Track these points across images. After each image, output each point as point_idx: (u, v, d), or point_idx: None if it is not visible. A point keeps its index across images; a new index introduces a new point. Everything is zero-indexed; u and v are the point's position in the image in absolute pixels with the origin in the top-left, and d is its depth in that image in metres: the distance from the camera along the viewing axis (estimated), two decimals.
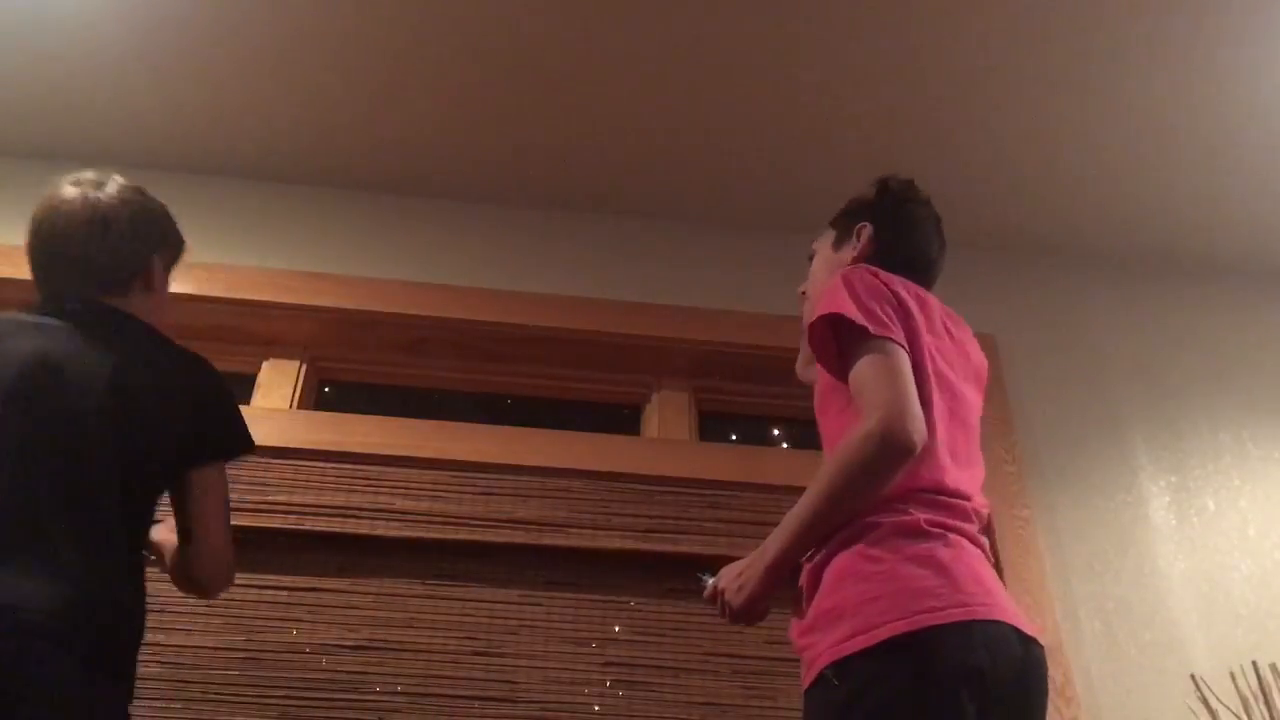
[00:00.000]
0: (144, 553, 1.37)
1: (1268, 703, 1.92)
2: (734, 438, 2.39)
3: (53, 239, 1.45)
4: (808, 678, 1.20)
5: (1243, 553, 2.14)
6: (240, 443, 1.45)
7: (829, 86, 2.15)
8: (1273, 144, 2.24)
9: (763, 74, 2.12)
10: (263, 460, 1.95)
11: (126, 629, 1.25)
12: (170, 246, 1.56)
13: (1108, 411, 2.30)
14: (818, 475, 1.27)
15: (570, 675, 1.88)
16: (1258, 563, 2.13)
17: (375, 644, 1.87)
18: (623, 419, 2.36)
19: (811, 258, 1.63)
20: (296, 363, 2.24)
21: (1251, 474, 2.26)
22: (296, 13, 2.02)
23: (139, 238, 1.49)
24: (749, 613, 1.32)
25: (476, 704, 1.83)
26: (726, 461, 2.14)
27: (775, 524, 2.04)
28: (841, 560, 1.23)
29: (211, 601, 1.86)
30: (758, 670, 1.91)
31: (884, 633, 1.13)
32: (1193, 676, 1.96)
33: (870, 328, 1.28)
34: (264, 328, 2.22)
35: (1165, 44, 2.04)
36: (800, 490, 2.21)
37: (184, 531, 1.42)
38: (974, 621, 1.15)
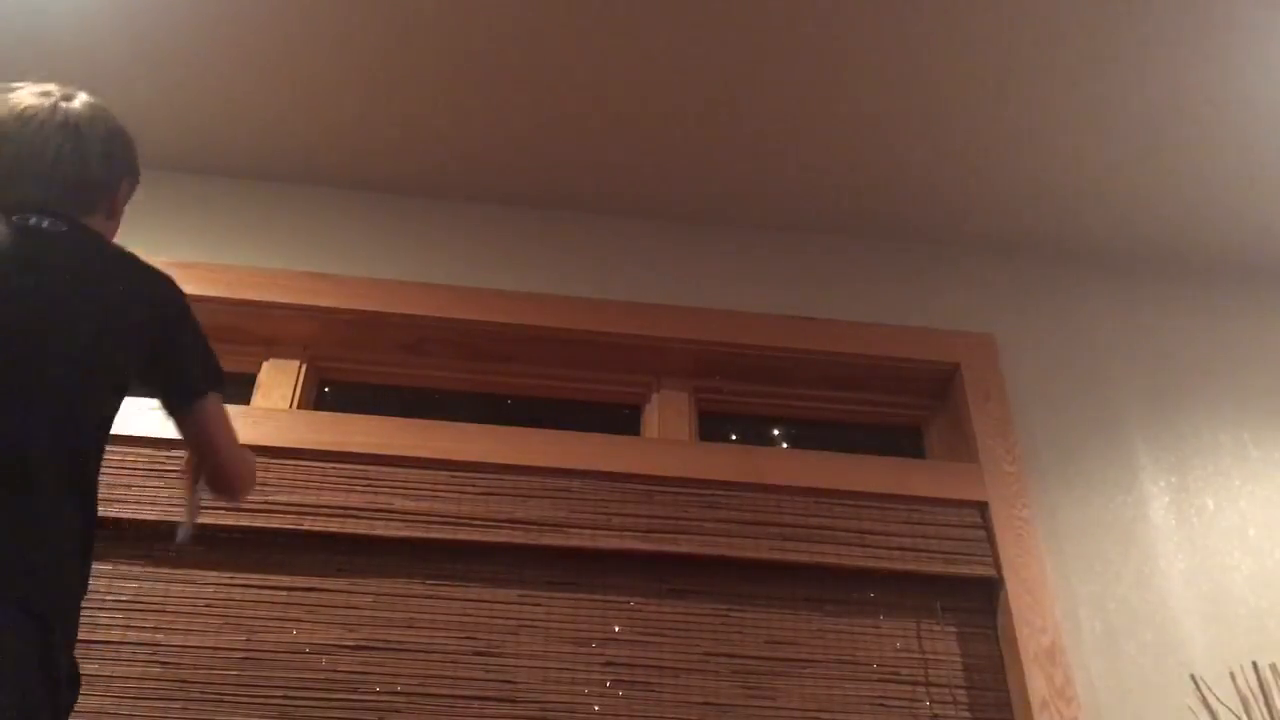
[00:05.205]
0: None
1: (1268, 703, 1.92)
2: (734, 438, 2.39)
3: (22, 147, 1.32)
4: None
5: (1243, 553, 2.14)
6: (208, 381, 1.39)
7: (830, 86, 2.15)
8: (1274, 143, 2.24)
9: (763, 73, 2.12)
10: (263, 460, 1.93)
11: None
12: (135, 174, 1.46)
13: (1108, 411, 2.29)
14: None
15: (570, 675, 1.88)
16: (1258, 563, 2.13)
17: (375, 644, 1.87)
18: (623, 419, 2.36)
19: None
20: (296, 363, 2.24)
21: (1252, 474, 2.26)
22: (296, 12, 2.02)
23: (112, 157, 1.39)
24: None
25: (476, 704, 1.83)
26: (726, 461, 2.13)
27: (775, 524, 2.07)
28: None
29: (211, 601, 1.87)
30: (758, 670, 1.90)
31: None
32: (1193, 676, 1.96)
33: None
34: (264, 328, 2.22)
35: (1166, 43, 2.04)
36: (800, 490, 2.22)
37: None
38: None
